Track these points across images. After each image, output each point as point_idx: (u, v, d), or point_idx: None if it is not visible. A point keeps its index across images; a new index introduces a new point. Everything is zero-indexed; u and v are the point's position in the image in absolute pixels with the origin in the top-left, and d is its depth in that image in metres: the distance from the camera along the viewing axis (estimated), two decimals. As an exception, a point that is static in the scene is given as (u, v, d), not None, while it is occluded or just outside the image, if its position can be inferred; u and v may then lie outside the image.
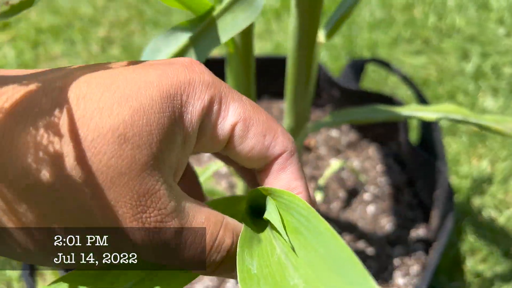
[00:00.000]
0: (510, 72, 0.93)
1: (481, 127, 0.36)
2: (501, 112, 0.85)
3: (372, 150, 0.58)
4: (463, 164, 0.78)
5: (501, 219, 0.71)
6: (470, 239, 0.69)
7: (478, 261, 0.67)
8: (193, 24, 0.28)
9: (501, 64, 0.95)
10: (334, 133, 0.60)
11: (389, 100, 0.52)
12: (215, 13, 0.27)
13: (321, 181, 0.51)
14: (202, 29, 0.27)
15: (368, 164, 0.57)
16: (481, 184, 0.76)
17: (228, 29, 0.27)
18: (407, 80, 0.53)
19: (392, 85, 0.92)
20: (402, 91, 0.89)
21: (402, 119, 0.35)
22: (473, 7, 1.08)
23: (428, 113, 0.34)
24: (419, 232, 0.50)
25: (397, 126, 0.54)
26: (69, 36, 1.20)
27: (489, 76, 0.92)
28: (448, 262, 0.67)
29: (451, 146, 0.82)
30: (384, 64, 0.55)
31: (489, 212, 0.72)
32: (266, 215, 0.19)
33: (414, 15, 1.07)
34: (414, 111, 0.34)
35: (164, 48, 0.30)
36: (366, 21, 1.08)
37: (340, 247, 0.15)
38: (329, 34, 0.32)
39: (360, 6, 1.13)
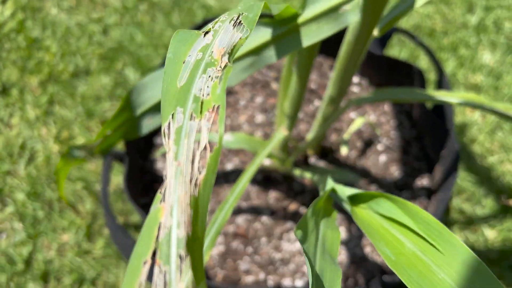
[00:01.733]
0: (510, 27, 0.97)
1: (494, 112, 0.42)
2: (496, 67, 0.90)
3: (387, 106, 0.64)
4: (458, 114, 0.86)
5: (486, 165, 0.80)
6: (457, 181, 0.78)
7: (462, 200, 0.77)
8: (275, 24, 0.32)
9: (502, 19, 0.98)
10: (355, 88, 0.66)
11: (410, 67, 0.57)
12: (299, 20, 0.31)
13: (346, 136, 0.57)
14: (285, 31, 0.31)
15: (383, 118, 0.63)
16: (471, 133, 0.84)
17: (312, 36, 0.31)
18: (431, 54, 0.57)
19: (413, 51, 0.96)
20: (422, 58, 0.94)
21: (431, 101, 0.40)
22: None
23: (452, 98, 0.40)
24: (423, 181, 0.58)
25: (415, 83, 0.60)
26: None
27: (490, 30, 0.96)
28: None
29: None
30: (411, 36, 0.59)
31: (476, 158, 0.81)
32: (393, 215, 0.25)
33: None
34: (441, 96, 0.40)
35: (249, 39, 0.34)
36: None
37: (475, 261, 0.21)
38: (382, 31, 0.37)
39: None
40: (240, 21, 0.23)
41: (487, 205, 0.76)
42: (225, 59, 0.21)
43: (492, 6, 0.99)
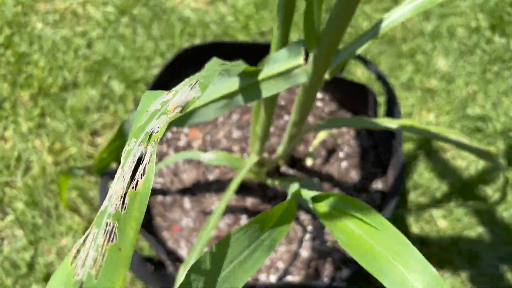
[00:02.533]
0: (462, 33, 1.05)
1: (427, 133, 0.50)
2: (449, 72, 0.99)
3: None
4: (415, 115, 0.94)
5: (438, 163, 0.89)
6: (414, 178, 0.87)
7: (418, 194, 0.86)
8: (241, 77, 0.39)
9: (456, 25, 1.07)
10: (319, 103, 0.73)
11: (363, 88, 0.65)
12: (260, 77, 0.38)
13: (311, 149, 0.65)
14: (249, 84, 0.39)
15: (344, 129, 0.71)
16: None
17: (270, 89, 0.38)
18: (381, 78, 0.65)
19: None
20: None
21: (378, 128, 0.48)
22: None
23: (391, 124, 0.48)
24: (378, 184, 0.67)
25: (367, 101, 0.68)
26: (62, -26, 1.20)
27: (444, 36, 1.05)
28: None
29: (408, 99, 0.97)
30: (364, 61, 0.66)
31: (430, 157, 0.90)
32: (345, 209, 0.33)
33: (387, -28, 1.15)
34: (383, 122, 0.48)
35: (218, 87, 0.41)
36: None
37: (399, 235, 0.30)
38: (331, 75, 0.44)
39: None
40: (197, 85, 0.30)
41: (440, 198, 0.85)
42: (177, 110, 0.28)
43: (446, 14, 1.08)
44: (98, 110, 0.98)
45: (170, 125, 0.33)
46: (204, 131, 0.70)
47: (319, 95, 0.73)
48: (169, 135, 0.70)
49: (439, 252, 0.80)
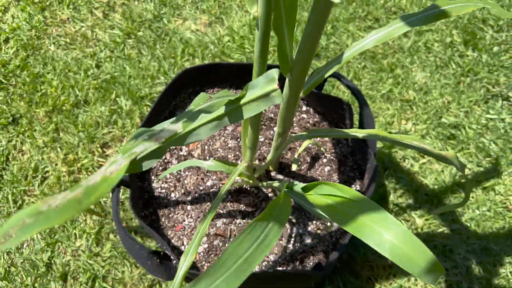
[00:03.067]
0: (438, 48, 1.14)
1: (391, 140, 0.58)
2: (426, 84, 1.08)
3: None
4: (394, 125, 1.03)
5: (416, 167, 0.97)
6: (393, 181, 0.96)
7: (397, 196, 0.94)
8: (227, 105, 0.47)
9: (432, 41, 1.16)
10: (304, 115, 0.82)
11: (341, 101, 0.74)
12: (242, 102, 0.47)
13: (296, 155, 0.74)
14: (232, 109, 0.47)
15: (326, 138, 0.80)
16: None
17: (252, 110, 0.47)
18: (354, 94, 0.74)
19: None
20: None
21: (348, 136, 0.57)
22: None
23: (359, 134, 0.56)
24: (356, 186, 0.75)
25: (345, 113, 0.76)
26: (72, 1, 1.30)
27: (422, 51, 1.14)
28: (377, 197, 0.94)
29: (389, 110, 1.05)
30: (339, 78, 0.75)
31: (408, 162, 0.98)
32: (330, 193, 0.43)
33: (369, -6, 1.25)
34: (352, 132, 0.56)
35: (206, 113, 0.50)
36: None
37: (377, 207, 0.39)
38: (305, 93, 0.53)
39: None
40: (180, 123, 0.39)
41: (417, 199, 0.93)
42: (158, 142, 0.38)
43: (423, 30, 1.17)
44: (107, 124, 1.07)
45: (167, 146, 0.42)
46: (203, 141, 0.79)
47: (304, 108, 0.82)
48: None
49: (416, 247, 0.88)
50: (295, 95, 0.51)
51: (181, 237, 0.71)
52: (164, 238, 0.68)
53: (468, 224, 0.90)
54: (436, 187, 0.94)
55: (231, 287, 0.38)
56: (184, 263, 0.51)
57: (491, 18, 1.18)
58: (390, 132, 1.02)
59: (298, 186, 0.50)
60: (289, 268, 0.68)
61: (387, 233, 0.39)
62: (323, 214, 0.49)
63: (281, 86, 0.48)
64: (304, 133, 0.58)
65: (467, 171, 0.97)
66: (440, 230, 0.90)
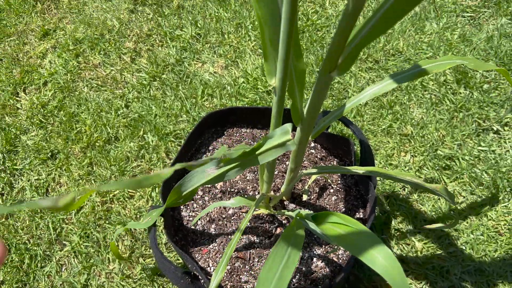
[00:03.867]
0: (433, 86, 1.25)
1: (387, 176, 0.68)
2: (422, 119, 1.18)
3: (335, 163, 0.91)
4: (394, 157, 1.13)
5: (415, 195, 1.07)
6: (394, 208, 1.05)
7: (398, 222, 1.03)
8: (242, 156, 0.58)
9: (428, 79, 1.27)
10: (313, 150, 0.93)
11: (345, 139, 0.85)
12: (261, 150, 0.58)
13: (306, 186, 0.84)
14: (250, 160, 0.57)
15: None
16: (404, 171, 1.11)
17: (271, 156, 0.57)
18: (356, 134, 0.85)
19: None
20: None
21: (351, 173, 0.67)
22: (412, 30, 1.38)
23: (359, 170, 0.67)
24: (359, 214, 0.85)
25: (349, 150, 0.87)
26: (103, 47, 1.45)
27: (418, 89, 1.25)
28: (380, 223, 1.03)
29: (389, 143, 1.16)
30: (347, 125, 0.86)
31: (407, 190, 1.08)
32: (336, 221, 0.53)
33: (369, 38, 1.37)
34: (353, 169, 0.67)
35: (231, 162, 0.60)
36: (334, 42, 1.37)
37: (371, 234, 0.49)
38: (313, 137, 0.64)
39: (329, 27, 1.41)
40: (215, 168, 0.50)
41: (416, 225, 1.02)
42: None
43: (419, 71, 1.28)
44: (136, 159, 1.19)
45: (203, 184, 0.53)
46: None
47: (312, 144, 0.93)
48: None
49: (416, 268, 0.96)
50: (305, 140, 0.62)
51: (207, 259, 0.81)
52: (193, 261, 0.78)
53: (464, 247, 0.99)
54: (433, 213, 1.04)
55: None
56: (214, 280, 0.60)
57: (481, 58, 1.29)
58: (390, 164, 1.12)
59: (309, 215, 0.61)
60: (300, 286, 0.78)
61: (379, 255, 0.49)
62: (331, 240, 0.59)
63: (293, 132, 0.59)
64: (314, 170, 0.69)
65: (461, 198, 1.06)
66: (438, 252, 0.99)
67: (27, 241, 1.09)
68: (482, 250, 0.98)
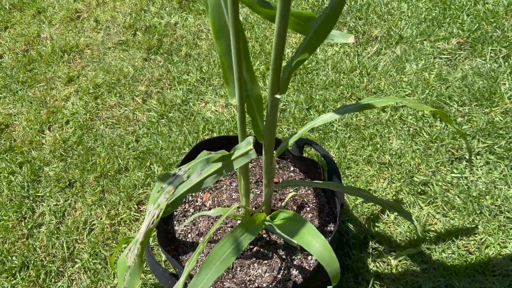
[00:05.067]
0: (411, 120, 1.37)
1: (348, 191, 0.79)
2: (400, 149, 1.29)
3: (311, 184, 1.02)
4: (374, 183, 1.23)
5: (392, 217, 1.16)
6: (372, 229, 1.14)
7: (375, 241, 1.12)
8: (223, 160, 0.71)
9: (406, 115, 1.39)
10: (292, 173, 1.05)
11: (315, 163, 0.96)
12: (232, 158, 0.70)
13: (283, 204, 0.95)
14: (226, 163, 0.70)
15: (309, 191, 1.01)
16: (382, 196, 1.20)
17: (239, 163, 0.70)
18: (324, 157, 0.97)
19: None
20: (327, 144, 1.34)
21: (310, 185, 0.78)
22: (394, 70, 1.52)
23: (321, 185, 0.78)
24: (330, 227, 0.95)
25: (320, 172, 0.98)
26: (119, 90, 1.63)
27: (397, 123, 1.36)
28: (359, 242, 1.12)
29: (369, 171, 1.26)
30: (313, 145, 0.99)
31: (386, 213, 1.17)
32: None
33: (353, 78, 1.51)
34: (315, 184, 0.78)
35: (211, 167, 0.73)
36: (322, 82, 1.51)
37: (312, 228, 0.60)
38: (278, 153, 0.76)
39: (318, 70, 1.57)
40: (186, 173, 0.62)
41: (391, 244, 1.11)
42: (171, 191, 0.61)
43: (399, 106, 1.41)
44: (142, 186, 1.32)
45: (188, 192, 0.65)
46: (213, 195, 1.02)
47: (292, 168, 1.05)
48: (189, 198, 1.03)
49: (390, 283, 1.04)
50: (270, 155, 0.75)
51: (195, 267, 0.92)
52: (181, 266, 0.89)
53: (435, 265, 1.06)
54: (408, 234, 1.12)
55: (216, 275, 0.59)
56: (187, 267, 0.71)
57: (456, 95, 1.41)
58: (369, 189, 1.22)
59: (269, 217, 0.72)
60: (277, 291, 0.87)
61: (316, 242, 0.59)
62: (280, 232, 0.69)
63: (260, 149, 0.72)
64: (279, 182, 0.81)
65: (435, 220, 1.14)
66: (411, 269, 1.06)
67: (43, 259, 1.21)
68: (452, 267, 1.05)
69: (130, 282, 0.58)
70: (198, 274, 0.61)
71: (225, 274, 0.91)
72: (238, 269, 0.92)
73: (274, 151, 0.76)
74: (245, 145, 0.69)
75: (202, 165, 0.69)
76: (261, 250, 0.94)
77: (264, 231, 0.96)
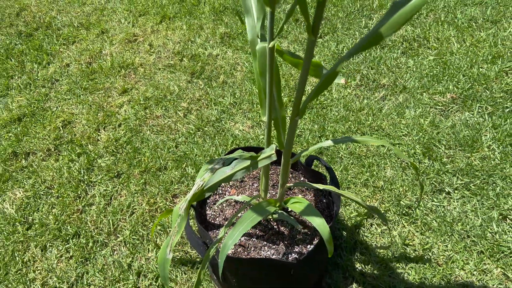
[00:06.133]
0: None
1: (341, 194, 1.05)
2: (392, 178, 1.55)
3: (313, 192, 1.28)
4: (367, 202, 1.48)
5: (378, 230, 1.40)
6: (361, 237, 1.38)
7: (362, 248, 1.36)
8: (251, 159, 0.98)
9: (401, 151, 1.65)
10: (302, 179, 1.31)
11: (320, 174, 1.23)
12: (258, 158, 0.98)
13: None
14: (253, 163, 0.98)
15: (312, 198, 1.27)
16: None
17: (263, 162, 0.98)
18: (328, 169, 1.23)
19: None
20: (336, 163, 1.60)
21: (313, 187, 1.04)
22: (395, 114, 1.79)
23: (322, 187, 1.04)
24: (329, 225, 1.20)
25: (322, 179, 1.24)
26: (165, 104, 1.93)
27: (393, 156, 1.62)
28: (350, 247, 1.36)
29: (365, 193, 1.51)
30: (319, 159, 1.25)
31: (371, 226, 1.41)
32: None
33: (360, 117, 1.79)
34: (317, 185, 1.04)
35: (242, 164, 1.00)
36: (334, 117, 1.79)
37: (313, 208, 0.86)
38: (293, 161, 1.03)
39: (332, 106, 1.85)
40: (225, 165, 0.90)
41: (375, 251, 1.35)
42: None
43: (395, 143, 1.67)
44: (178, 183, 1.59)
45: (222, 181, 0.92)
46: (238, 191, 1.29)
47: (302, 178, 1.32)
48: (220, 191, 1.30)
49: (371, 280, 1.28)
50: (287, 161, 1.02)
51: (224, 236, 1.18)
52: (210, 237, 1.15)
53: (409, 271, 1.30)
54: (389, 243, 1.36)
55: (245, 230, 0.85)
56: (222, 232, 0.97)
57: (444, 139, 1.67)
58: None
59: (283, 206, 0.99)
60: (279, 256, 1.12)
61: (316, 217, 0.86)
62: (293, 216, 0.95)
63: (280, 155, 0.99)
64: (291, 184, 1.08)
65: (414, 238, 1.38)
66: (390, 272, 1.30)
67: (92, 231, 1.48)
68: (423, 274, 1.29)
69: (180, 224, 0.84)
70: (234, 228, 0.88)
71: (241, 251, 1.16)
72: (252, 249, 1.17)
73: (290, 159, 1.03)
74: (269, 150, 0.96)
75: (236, 161, 0.96)
76: (271, 237, 1.19)
77: (274, 223, 1.22)
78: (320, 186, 1.05)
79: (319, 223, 0.85)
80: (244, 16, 0.88)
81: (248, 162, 0.96)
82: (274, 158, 0.94)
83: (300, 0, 0.61)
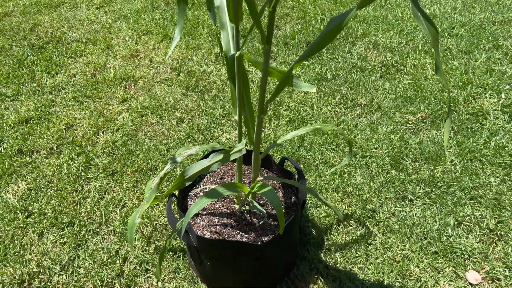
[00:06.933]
0: (374, 166, 1.77)
1: (308, 190, 1.20)
2: (361, 185, 1.69)
3: (281, 186, 1.43)
4: (336, 204, 1.62)
5: (345, 230, 1.53)
6: (328, 235, 1.52)
7: (328, 244, 1.49)
8: (224, 154, 1.14)
9: (371, 162, 1.80)
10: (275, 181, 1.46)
11: (291, 173, 1.37)
12: (231, 152, 1.14)
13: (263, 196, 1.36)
14: (226, 156, 1.13)
15: (281, 194, 1.41)
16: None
17: (235, 156, 1.13)
18: (296, 168, 1.38)
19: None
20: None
21: (281, 181, 1.19)
22: (368, 129, 1.95)
23: (289, 182, 1.18)
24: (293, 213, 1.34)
25: (294, 178, 1.39)
26: (160, 113, 2.10)
27: (363, 166, 1.77)
28: (317, 243, 1.49)
29: (336, 197, 1.66)
30: (290, 160, 1.40)
31: (338, 226, 1.55)
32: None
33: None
34: (283, 179, 1.18)
35: (216, 156, 1.16)
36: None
37: (273, 192, 1.01)
38: (262, 156, 1.18)
39: (312, 120, 2.01)
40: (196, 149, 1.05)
41: (340, 247, 1.48)
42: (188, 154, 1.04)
43: (367, 155, 1.82)
44: (166, 182, 1.74)
45: (200, 172, 1.07)
46: (216, 180, 1.43)
47: (275, 175, 1.46)
48: (201, 187, 1.44)
49: (335, 272, 1.40)
50: (257, 154, 1.17)
51: (195, 229, 1.31)
52: (188, 225, 1.29)
53: (369, 266, 1.42)
54: (351, 240, 1.49)
55: (209, 201, 0.99)
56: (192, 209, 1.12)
57: (411, 154, 1.82)
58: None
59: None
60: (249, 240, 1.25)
61: (273, 197, 1.00)
62: (258, 200, 1.09)
63: (250, 152, 1.15)
64: (261, 178, 1.23)
65: (376, 238, 1.51)
66: (351, 266, 1.42)
67: (85, 221, 1.62)
68: (382, 269, 1.42)
69: (150, 196, 0.98)
70: (201, 197, 1.02)
71: (217, 237, 1.30)
72: (226, 236, 1.31)
73: (260, 154, 1.19)
74: (240, 145, 1.12)
75: (212, 155, 1.11)
76: (244, 227, 1.33)
77: (248, 215, 1.36)
78: (287, 181, 1.20)
79: (276, 204, 1.00)
80: (221, 31, 1.06)
81: (222, 156, 1.11)
82: (244, 151, 1.09)
83: (253, 14, 0.77)
